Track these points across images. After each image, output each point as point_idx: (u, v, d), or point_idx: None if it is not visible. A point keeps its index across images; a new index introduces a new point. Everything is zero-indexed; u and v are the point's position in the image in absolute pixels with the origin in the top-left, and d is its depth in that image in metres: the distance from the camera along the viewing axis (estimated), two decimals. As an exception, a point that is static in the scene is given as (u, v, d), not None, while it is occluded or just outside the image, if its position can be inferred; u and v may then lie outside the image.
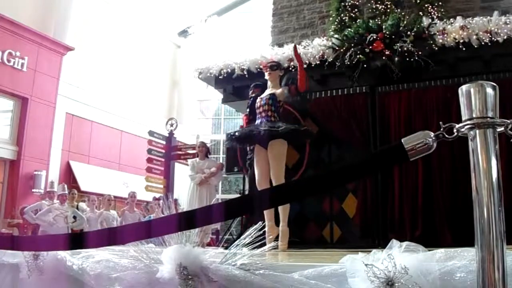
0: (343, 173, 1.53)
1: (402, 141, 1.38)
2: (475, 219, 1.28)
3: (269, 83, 5.68)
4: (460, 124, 1.33)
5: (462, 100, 1.33)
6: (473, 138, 1.31)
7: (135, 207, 10.46)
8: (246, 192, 8.43)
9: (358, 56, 6.73)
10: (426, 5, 7.17)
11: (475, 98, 1.30)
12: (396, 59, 6.46)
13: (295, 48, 5.64)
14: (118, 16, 18.46)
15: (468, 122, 1.31)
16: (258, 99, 5.60)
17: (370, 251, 1.74)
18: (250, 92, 5.94)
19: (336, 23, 7.71)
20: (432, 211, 6.23)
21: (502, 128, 1.30)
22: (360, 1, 7.87)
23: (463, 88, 1.33)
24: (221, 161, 10.90)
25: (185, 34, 21.60)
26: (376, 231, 6.59)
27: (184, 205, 9.17)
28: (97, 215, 10.12)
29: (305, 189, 1.63)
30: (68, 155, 16.04)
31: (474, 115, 1.30)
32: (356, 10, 7.76)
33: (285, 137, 5.32)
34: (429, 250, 1.71)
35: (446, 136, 1.35)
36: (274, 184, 5.22)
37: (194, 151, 11.04)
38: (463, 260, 1.64)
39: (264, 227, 2.11)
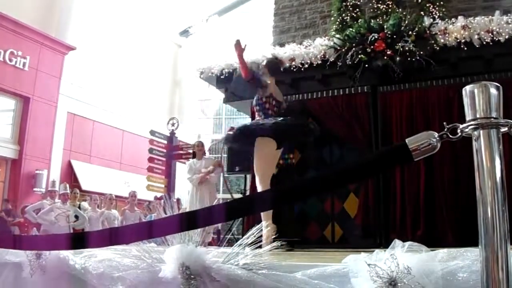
0: (348, 173, 1.53)
1: (406, 141, 1.38)
2: (479, 219, 1.28)
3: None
4: (464, 125, 1.33)
5: (466, 101, 1.33)
6: (477, 138, 1.31)
7: (136, 207, 10.45)
8: (248, 192, 8.43)
9: (359, 56, 6.73)
10: (427, 5, 7.18)
11: (479, 98, 1.30)
12: (398, 58, 6.46)
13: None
14: (119, 15, 18.48)
15: (472, 122, 1.31)
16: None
17: (372, 251, 1.74)
18: None
19: (337, 22, 7.71)
20: (434, 210, 6.22)
21: (506, 129, 1.30)
22: (361, 0, 7.86)
23: (467, 88, 1.33)
24: (222, 160, 10.89)
25: (186, 34, 21.64)
26: (377, 231, 6.58)
27: (186, 206, 9.17)
28: (99, 214, 10.13)
29: (308, 189, 1.63)
30: (69, 154, 16.07)
31: (478, 116, 1.30)
32: (357, 9, 7.76)
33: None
34: (432, 250, 1.72)
35: (450, 136, 1.35)
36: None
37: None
38: (466, 260, 1.64)
39: (266, 226, 2.11)
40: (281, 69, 5.63)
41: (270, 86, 5.33)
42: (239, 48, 5.21)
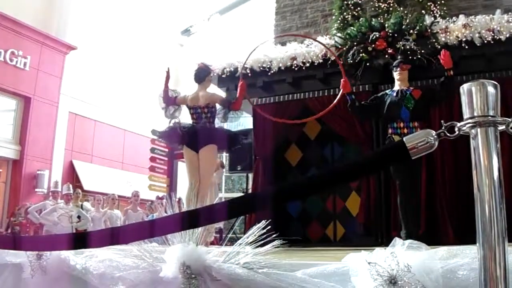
0: (346, 172, 1.54)
1: (404, 139, 1.38)
2: (476, 217, 1.28)
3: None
4: (462, 123, 1.33)
5: (464, 99, 1.33)
6: (474, 136, 1.31)
7: (139, 206, 10.46)
8: (249, 191, 8.43)
9: (361, 55, 6.73)
10: (428, 4, 7.17)
11: (476, 96, 1.30)
12: (399, 57, 6.46)
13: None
14: (120, 14, 18.45)
15: (470, 120, 1.31)
16: None
17: (373, 249, 1.74)
18: None
19: (338, 21, 7.71)
20: (435, 209, 6.22)
21: (504, 127, 1.30)
22: (362, -1, 7.87)
23: (465, 86, 1.33)
24: (223, 159, 10.90)
25: (188, 33, 21.59)
26: (379, 229, 6.58)
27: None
28: (101, 214, 10.14)
29: (308, 188, 1.63)
30: (71, 154, 16.07)
31: (475, 114, 1.30)
32: (358, 8, 7.76)
33: None
34: (432, 248, 1.72)
35: (448, 134, 1.35)
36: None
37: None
38: (465, 258, 1.64)
39: (267, 225, 2.11)
40: (204, 74, 5.82)
41: (186, 99, 5.71)
42: (167, 77, 5.79)
